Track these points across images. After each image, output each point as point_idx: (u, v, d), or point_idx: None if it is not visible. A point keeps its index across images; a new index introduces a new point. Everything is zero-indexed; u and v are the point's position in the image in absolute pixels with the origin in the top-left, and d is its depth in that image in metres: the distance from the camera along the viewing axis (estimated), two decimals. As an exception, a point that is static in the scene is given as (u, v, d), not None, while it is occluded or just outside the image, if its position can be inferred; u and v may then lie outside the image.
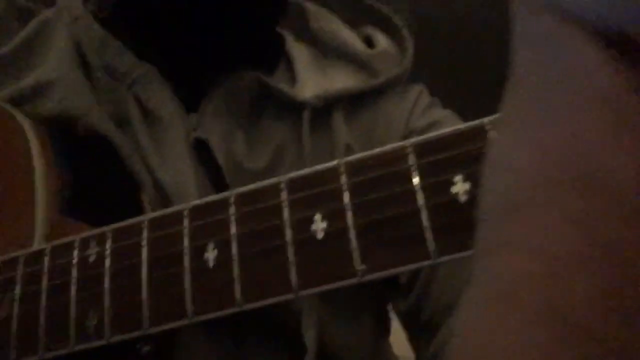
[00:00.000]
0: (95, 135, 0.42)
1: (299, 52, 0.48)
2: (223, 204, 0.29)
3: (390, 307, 0.47)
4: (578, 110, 0.14)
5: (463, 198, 0.24)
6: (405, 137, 0.43)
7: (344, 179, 0.26)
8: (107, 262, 0.31)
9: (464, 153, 0.24)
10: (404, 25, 0.49)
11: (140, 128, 0.42)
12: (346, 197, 0.25)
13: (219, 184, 0.41)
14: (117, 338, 0.30)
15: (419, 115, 0.47)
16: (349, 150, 0.43)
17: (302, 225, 0.26)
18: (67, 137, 0.42)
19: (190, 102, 0.44)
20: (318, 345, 0.38)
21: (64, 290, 0.32)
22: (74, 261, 0.32)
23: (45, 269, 0.33)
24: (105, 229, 0.32)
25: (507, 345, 0.13)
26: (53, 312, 0.32)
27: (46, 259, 0.33)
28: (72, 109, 0.42)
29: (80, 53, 0.44)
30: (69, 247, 0.33)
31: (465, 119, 0.26)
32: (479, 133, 0.24)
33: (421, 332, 0.42)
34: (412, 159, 0.25)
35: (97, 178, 0.42)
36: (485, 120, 0.24)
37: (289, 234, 0.26)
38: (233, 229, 0.28)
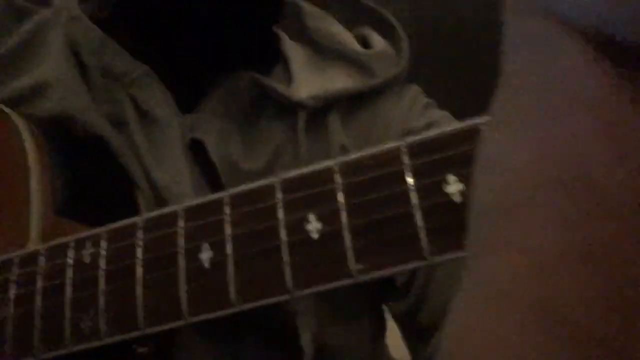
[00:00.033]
0: (91, 135, 0.42)
1: (295, 52, 0.48)
2: (218, 204, 0.29)
3: (386, 308, 0.47)
4: (566, 114, 0.14)
5: (457, 198, 0.24)
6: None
7: (338, 179, 0.26)
8: (102, 262, 0.31)
9: (458, 153, 0.24)
10: (400, 26, 0.49)
11: (137, 129, 0.42)
12: (341, 197, 0.26)
13: (215, 185, 0.41)
14: (113, 339, 0.30)
15: (416, 116, 0.47)
16: (344, 151, 0.44)
17: (297, 225, 0.26)
18: (63, 138, 0.42)
19: (187, 102, 0.44)
20: (315, 347, 0.39)
21: (59, 291, 0.32)
22: (69, 262, 0.32)
23: (41, 270, 0.33)
24: (100, 229, 0.32)
25: (506, 347, 0.14)
26: (48, 313, 0.32)
27: (41, 260, 0.33)
28: (69, 110, 0.42)
29: (77, 53, 0.44)
30: (64, 247, 0.33)
31: (466, 119, 0.26)
32: (473, 133, 0.24)
33: (418, 334, 0.42)
34: (406, 159, 0.25)
35: (93, 178, 0.42)
36: (479, 120, 0.24)
37: (283, 234, 0.26)
38: (228, 230, 0.28)
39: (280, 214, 0.27)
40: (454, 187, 0.24)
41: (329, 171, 0.26)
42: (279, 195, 0.27)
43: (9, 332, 0.33)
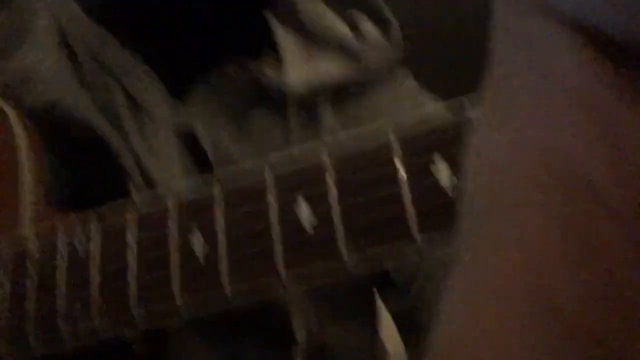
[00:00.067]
0: (81, 124, 0.42)
1: (285, 38, 0.48)
2: (210, 200, 0.28)
3: (381, 304, 0.47)
4: (565, 114, 0.14)
5: (445, 181, 0.24)
6: None
7: (327, 162, 0.26)
8: (95, 259, 0.31)
9: (446, 136, 0.24)
10: (390, 12, 0.49)
11: (127, 117, 0.42)
12: (330, 180, 0.26)
13: (206, 172, 0.41)
14: (107, 336, 0.30)
15: (406, 103, 0.47)
16: None
17: (289, 218, 0.26)
18: (54, 126, 0.42)
19: (177, 90, 0.44)
20: (309, 342, 0.39)
21: (50, 279, 0.32)
22: (61, 250, 0.32)
23: (33, 258, 0.33)
24: (92, 224, 0.32)
25: (504, 343, 0.14)
26: (40, 300, 0.32)
27: (33, 248, 0.33)
28: (58, 98, 0.42)
29: (66, 42, 0.44)
30: (55, 236, 0.33)
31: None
32: (459, 115, 0.24)
33: (416, 333, 0.43)
34: (394, 142, 0.25)
35: (83, 167, 0.42)
36: (465, 102, 0.25)
37: (276, 227, 0.26)
38: (221, 224, 0.28)
39: (273, 207, 0.27)
40: (441, 169, 0.24)
41: (320, 163, 0.26)
42: (272, 188, 0.27)
43: (1, 321, 0.33)
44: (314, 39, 0.48)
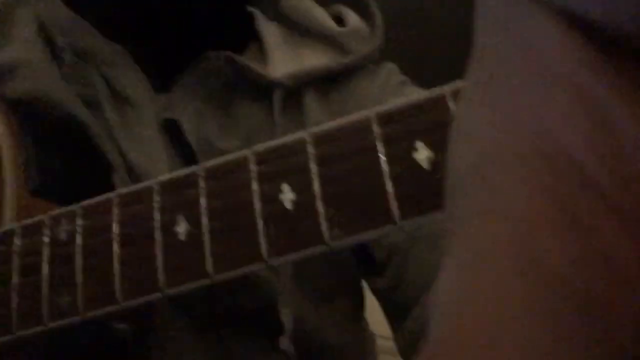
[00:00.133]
0: (63, 116, 0.41)
1: (269, 31, 0.48)
2: (192, 178, 0.29)
3: (365, 285, 0.47)
4: (539, 91, 0.14)
5: (426, 165, 0.24)
6: None
7: (310, 149, 0.26)
8: (79, 239, 0.31)
9: (426, 121, 0.25)
10: (374, 3, 0.49)
11: (110, 109, 0.42)
12: (313, 166, 0.26)
13: (191, 165, 0.41)
14: (91, 314, 0.30)
15: (390, 93, 0.47)
16: None
17: (271, 196, 0.27)
18: (36, 119, 0.42)
19: (161, 82, 0.44)
20: (296, 329, 0.39)
21: (35, 269, 0.32)
22: (45, 240, 0.32)
23: (16, 249, 0.33)
24: (75, 206, 0.32)
25: (485, 297, 0.14)
26: (25, 291, 0.32)
27: (16, 239, 0.33)
28: (39, 90, 0.41)
29: (46, 33, 0.44)
30: (39, 225, 0.33)
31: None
32: (440, 101, 0.25)
33: (398, 309, 0.43)
34: (376, 128, 0.25)
35: (67, 159, 0.42)
36: (446, 88, 0.25)
37: (258, 205, 0.27)
38: (203, 202, 0.28)
39: (255, 185, 0.27)
40: (422, 154, 0.24)
41: (301, 142, 0.27)
42: (253, 167, 0.27)
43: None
44: (298, 31, 0.48)
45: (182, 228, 0.28)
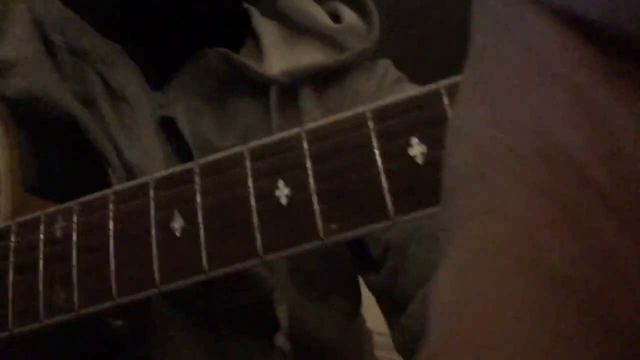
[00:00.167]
0: (60, 114, 0.41)
1: (265, 28, 0.48)
2: (188, 174, 0.29)
3: (362, 282, 0.47)
4: (539, 91, 0.14)
5: (420, 160, 0.24)
6: None
7: (306, 145, 0.26)
8: (75, 236, 0.31)
9: (421, 116, 0.25)
10: (371, 1, 0.49)
11: (106, 107, 0.42)
12: (308, 163, 0.26)
13: (187, 161, 0.41)
14: (87, 310, 0.30)
15: (386, 90, 0.47)
16: None
17: (267, 192, 0.27)
18: (32, 117, 0.42)
19: (157, 80, 0.44)
20: (292, 326, 0.39)
21: (31, 266, 0.32)
22: (41, 237, 0.32)
23: (12, 246, 0.33)
24: (71, 203, 0.32)
25: (485, 297, 0.14)
26: (21, 288, 0.32)
27: (12, 236, 0.33)
28: (35, 89, 0.41)
29: (41, 31, 0.44)
30: (35, 223, 0.33)
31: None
32: (435, 97, 0.25)
33: (395, 305, 0.43)
34: (371, 124, 0.25)
35: (64, 158, 0.42)
36: (441, 84, 0.25)
37: (253, 201, 0.27)
38: (199, 199, 0.28)
39: (250, 181, 0.27)
40: (417, 149, 0.25)
41: (296, 138, 0.27)
42: (248, 163, 0.27)
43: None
44: (294, 28, 0.48)
45: (177, 224, 0.28)
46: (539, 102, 0.14)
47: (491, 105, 0.15)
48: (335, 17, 0.49)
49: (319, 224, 0.25)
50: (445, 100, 0.24)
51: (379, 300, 0.46)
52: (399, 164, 0.25)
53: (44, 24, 0.43)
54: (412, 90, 0.47)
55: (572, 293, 0.13)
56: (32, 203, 0.36)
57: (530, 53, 0.15)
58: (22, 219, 0.34)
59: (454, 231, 0.15)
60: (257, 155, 0.28)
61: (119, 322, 0.35)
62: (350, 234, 0.25)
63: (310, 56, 0.46)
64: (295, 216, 0.26)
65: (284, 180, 0.26)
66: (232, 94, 0.45)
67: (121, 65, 0.43)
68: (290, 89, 0.45)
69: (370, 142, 0.25)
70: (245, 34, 0.48)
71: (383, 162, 0.25)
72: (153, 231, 0.29)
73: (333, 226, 0.25)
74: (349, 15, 0.48)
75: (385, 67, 0.49)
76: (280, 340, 0.38)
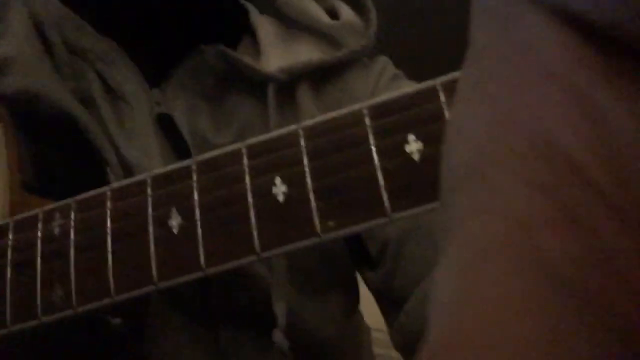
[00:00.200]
0: (58, 112, 0.41)
1: (263, 25, 0.48)
2: (185, 172, 0.29)
3: (360, 279, 0.47)
4: (538, 90, 0.14)
5: (416, 157, 0.24)
6: None
7: (303, 142, 0.26)
8: (72, 233, 0.31)
9: (417, 113, 0.25)
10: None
11: (104, 104, 0.42)
12: (305, 160, 0.26)
13: (185, 158, 0.41)
14: (85, 308, 0.30)
15: (384, 87, 0.47)
16: None
17: (264, 189, 0.27)
18: (30, 115, 0.42)
19: (154, 77, 0.44)
20: (290, 323, 0.39)
21: (29, 264, 0.32)
22: (39, 234, 0.32)
23: (10, 243, 0.33)
24: (68, 200, 0.32)
25: (485, 297, 0.14)
26: (19, 285, 0.32)
27: (10, 234, 0.33)
28: (33, 87, 0.41)
29: (40, 29, 0.44)
30: (32, 220, 0.33)
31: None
32: (432, 94, 0.25)
33: (393, 302, 0.43)
34: (368, 121, 0.25)
35: (62, 156, 0.42)
36: (438, 81, 0.25)
37: (250, 198, 0.27)
38: (196, 196, 0.28)
39: (247, 178, 0.27)
40: (413, 146, 0.25)
41: (294, 135, 0.27)
42: (246, 160, 0.28)
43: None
44: (292, 24, 0.48)
45: (175, 221, 0.28)
46: (539, 101, 0.14)
47: (491, 104, 0.15)
48: (333, 14, 0.49)
49: (316, 221, 0.25)
50: (442, 97, 0.24)
51: (377, 298, 0.46)
52: (396, 161, 0.25)
53: (43, 23, 0.43)
54: (409, 87, 0.48)
55: (572, 293, 0.13)
56: (31, 202, 0.36)
57: (530, 53, 0.15)
58: (19, 216, 0.34)
59: (453, 231, 0.15)
60: (254, 152, 0.28)
61: (117, 320, 0.36)
62: (347, 231, 0.25)
63: (307, 53, 0.46)
64: (293, 213, 0.26)
65: (281, 177, 0.26)
66: (230, 91, 0.45)
67: (120, 64, 0.43)
68: (288, 86, 0.45)
69: (367, 139, 0.25)
70: (243, 31, 0.48)
71: (380, 159, 0.25)
72: (150, 228, 0.29)
73: (330, 223, 0.25)
74: (347, 12, 0.48)
75: (383, 64, 0.49)
76: (278, 336, 0.38)
